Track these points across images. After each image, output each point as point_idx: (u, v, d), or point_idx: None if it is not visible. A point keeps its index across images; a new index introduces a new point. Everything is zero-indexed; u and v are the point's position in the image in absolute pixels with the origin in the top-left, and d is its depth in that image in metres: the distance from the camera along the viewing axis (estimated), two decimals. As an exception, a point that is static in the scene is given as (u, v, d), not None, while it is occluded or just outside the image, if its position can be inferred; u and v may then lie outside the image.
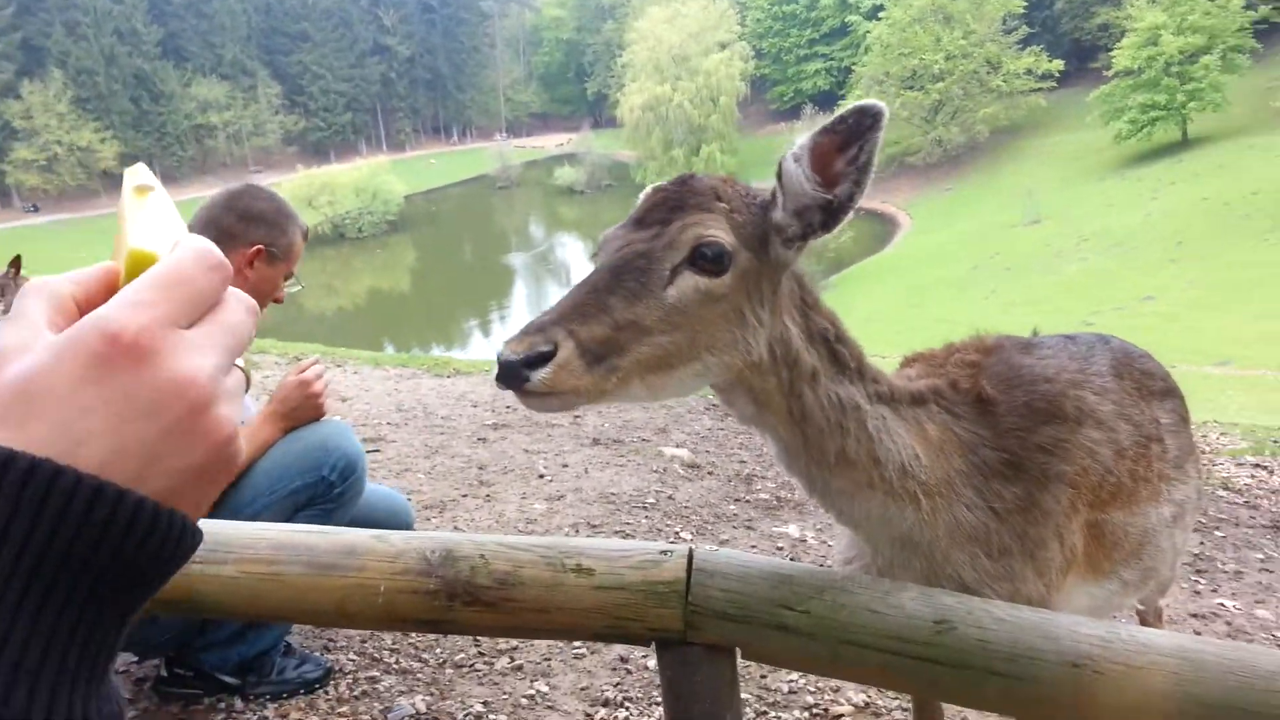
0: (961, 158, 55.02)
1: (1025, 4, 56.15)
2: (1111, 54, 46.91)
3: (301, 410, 2.77)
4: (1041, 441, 1.62)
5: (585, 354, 1.24)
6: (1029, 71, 54.04)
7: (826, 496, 1.54)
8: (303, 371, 2.80)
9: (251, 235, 2.76)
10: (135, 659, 2.95)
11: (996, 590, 1.56)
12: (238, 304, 0.64)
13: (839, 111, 1.30)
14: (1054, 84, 54.57)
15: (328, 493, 2.67)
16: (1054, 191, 44.36)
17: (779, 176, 1.37)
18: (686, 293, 1.33)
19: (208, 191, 3.45)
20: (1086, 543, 1.73)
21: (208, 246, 0.62)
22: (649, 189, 1.46)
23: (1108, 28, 53.92)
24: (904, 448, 1.51)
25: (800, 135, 1.35)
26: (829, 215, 1.36)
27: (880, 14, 58.80)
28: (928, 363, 1.77)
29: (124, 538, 0.52)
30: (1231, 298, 23.07)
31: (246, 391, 0.70)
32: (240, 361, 0.65)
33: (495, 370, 1.23)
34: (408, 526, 3.15)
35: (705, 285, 1.34)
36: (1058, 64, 53.66)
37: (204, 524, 1.89)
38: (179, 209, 0.72)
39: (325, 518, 2.65)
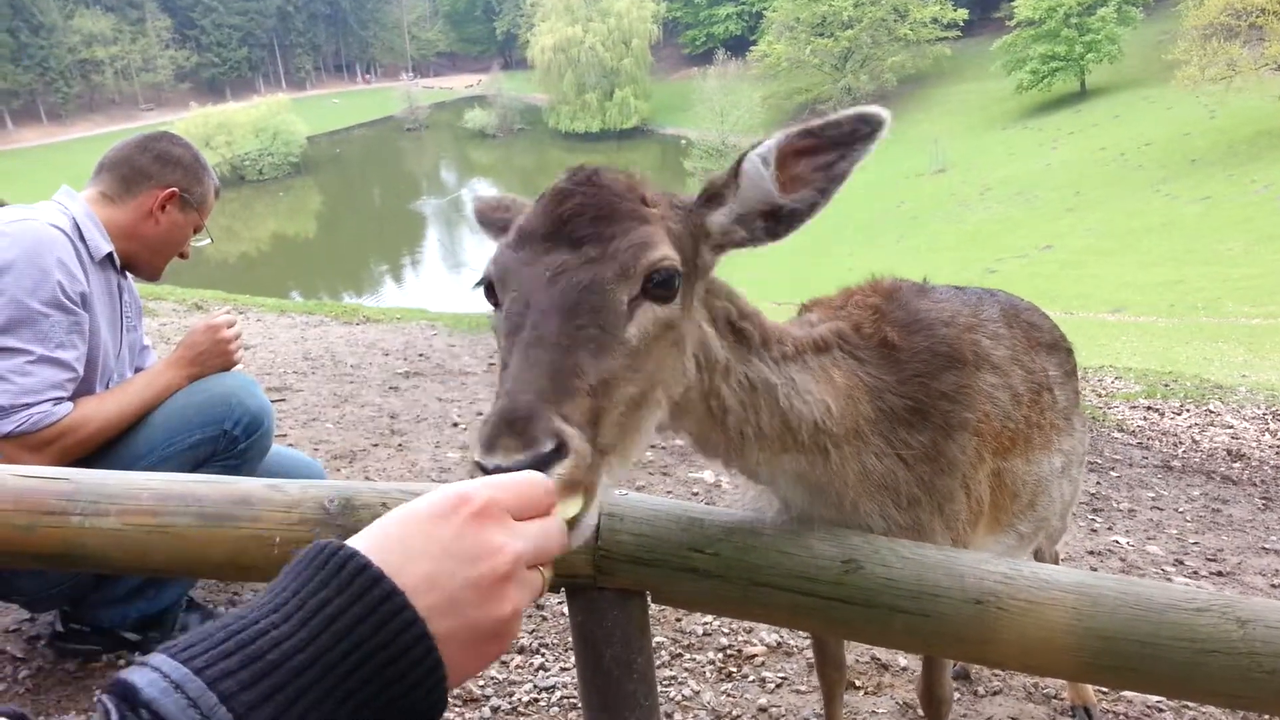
0: (869, 106, 55.63)
1: (933, -48, 56.83)
2: (1014, 4, 47.94)
3: (209, 358, 2.62)
4: (944, 389, 1.58)
5: (588, 438, 1.01)
6: (935, 20, 54.84)
7: (742, 468, 1.47)
8: (215, 319, 2.66)
9: (167, 178, 2.63)
10: (28, 617, 2.81)
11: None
12: (558, 524, 0.82)
13: (833, 115, 1.17)
14: (959, 33, 55.56)
15: (230, 448, 2.52)
16: (959, 140, 45.45)
17: (735, 174, 1.22)
18: (646, 328, 1.12)
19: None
20: (993, 493, 1.74)
21: (544, 478, 0.84)
22: (545, 192, 1.20)
23: (1011, -23, 54.99)
24: (815, 404, 1.44)
25: (772, 138, 1.20)
26: (775, 223, 1.22)
27: (792, -42, 58.69)
28: (826, 307, 1.70)
29: (407, 669, 0.64)
30: (1125, 245, 24.11)
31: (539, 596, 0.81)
32: (546, 572, 0.80)
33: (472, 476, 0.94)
34: (264, 406, 2.96)
35: (664, 315, 1.14)
36: (962, 13, 54.66)
37: (84, 473, 1.76)
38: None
39: (226, 473, 2.50)
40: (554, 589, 1.57)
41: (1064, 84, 47.14)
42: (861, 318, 1.61)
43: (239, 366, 2.72)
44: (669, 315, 1.15)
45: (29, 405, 2.21)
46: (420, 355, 6.41)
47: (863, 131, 1.16)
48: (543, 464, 0.94)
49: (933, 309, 1.69)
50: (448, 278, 38.10)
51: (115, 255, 2.57)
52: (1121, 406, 6.27)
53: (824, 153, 1.17)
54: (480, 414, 5.19)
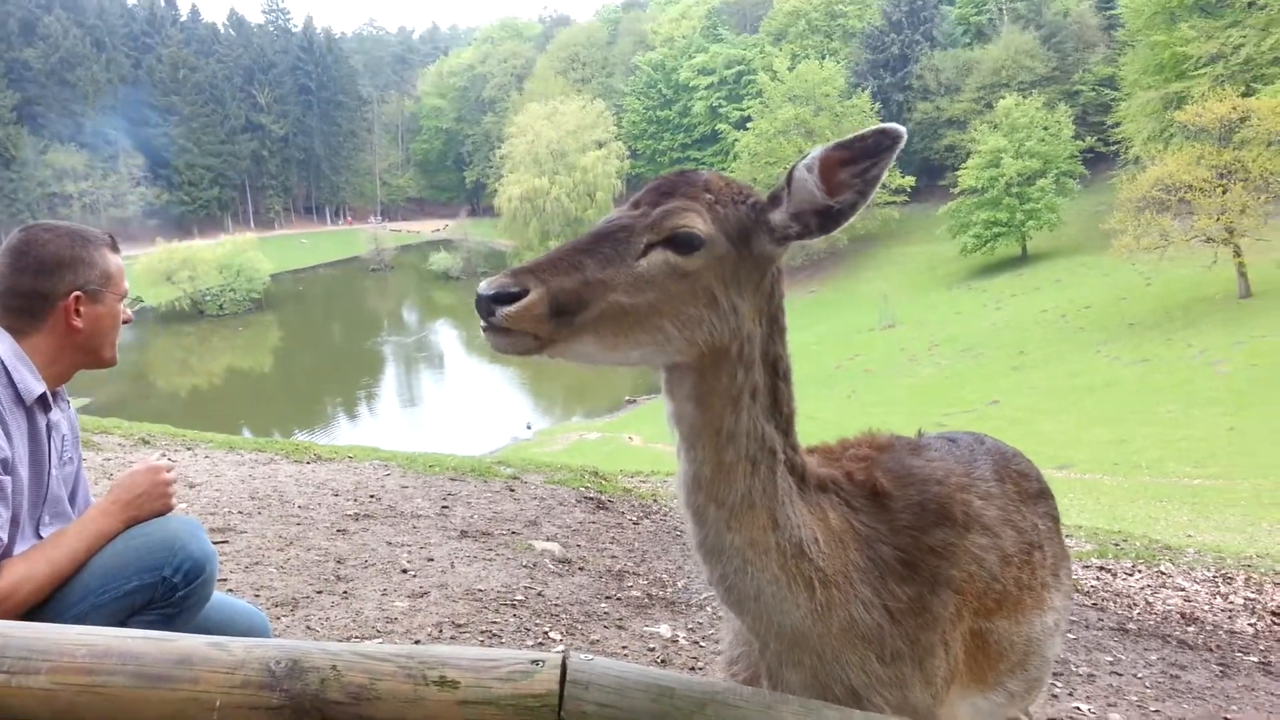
0: (824, 262, 57.84)
1: (879, 123, 60.34)
2: (958, 173, 50.87)
3: (146, 501, 2.46)
4: (933, 544, 1.61)
5: (552, 302, 1.36)
6: (884, 185, 57.42)
7: (719, 555, 1.49)
8: (152, 461, 2.54)
9: (60, 286, 2.39)
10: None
11: (885, 697, 1.52)
12: None
13: (861, 130, 1.39)
14: (907, 198, 58.44)
15: (168, 596, 2.34)
16: (908, 298, 47.14)
17: (788, 182, 1.46)
18: (656, 265, 1.43)
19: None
20: (971, 652, 1.71)
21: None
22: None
23: (954, 149, 58.49)
24: (804, 525, 1.49)
25: (815, 149, 1.44)
26: (827, 220, 1.45)
27: (748, 125, 62.10)
28: (824, 455, 1.75)
29: None
30: (1070, 404, 24.79)
31: None
32: None
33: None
34: (209, 553, 2.77)
35: (674, 261, 1.43)
36: (909, 180, 57.62)
37: (15, 627, 1.66)
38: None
39: (164, 624, 2.31)
40: (511, 762, 1.48)
41: (1006, 248, 49.51)
42: (854, 467, 1.64)
43: (175, 510, 2.58)
44: (680, 263, 1.43)
45: None
46: (371, 496, 6.26)
47: (885, 143, 1.38)
48: (505, 300, 1.34)
49: (925, 466, 1.73)
50: (403, 416, 37.81)
51: (47, 394, 2.39)
52: (1074, 566, 6.27)
53: (859, 162, 1.40)
54: (430, 559, 5.03)
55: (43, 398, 2.38)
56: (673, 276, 1.43)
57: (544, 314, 1.36)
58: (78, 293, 2.40)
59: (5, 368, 2.29)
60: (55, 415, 2.49)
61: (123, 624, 2.27)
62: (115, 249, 2.57)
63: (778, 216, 1.48)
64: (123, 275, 2.56)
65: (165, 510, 2.51)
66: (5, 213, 71.29)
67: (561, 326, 1.38)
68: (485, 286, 1.36)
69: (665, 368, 1.51)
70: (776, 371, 1.53)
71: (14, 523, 2.26)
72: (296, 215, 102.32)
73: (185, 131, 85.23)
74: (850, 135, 1.39)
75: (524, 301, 1.35)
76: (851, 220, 1.45)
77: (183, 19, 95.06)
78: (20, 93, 76.00)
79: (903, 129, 1.37)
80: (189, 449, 7.69)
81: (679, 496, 1.55)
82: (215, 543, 4.91)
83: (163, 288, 57.38)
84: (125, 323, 2.59)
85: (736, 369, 1.47)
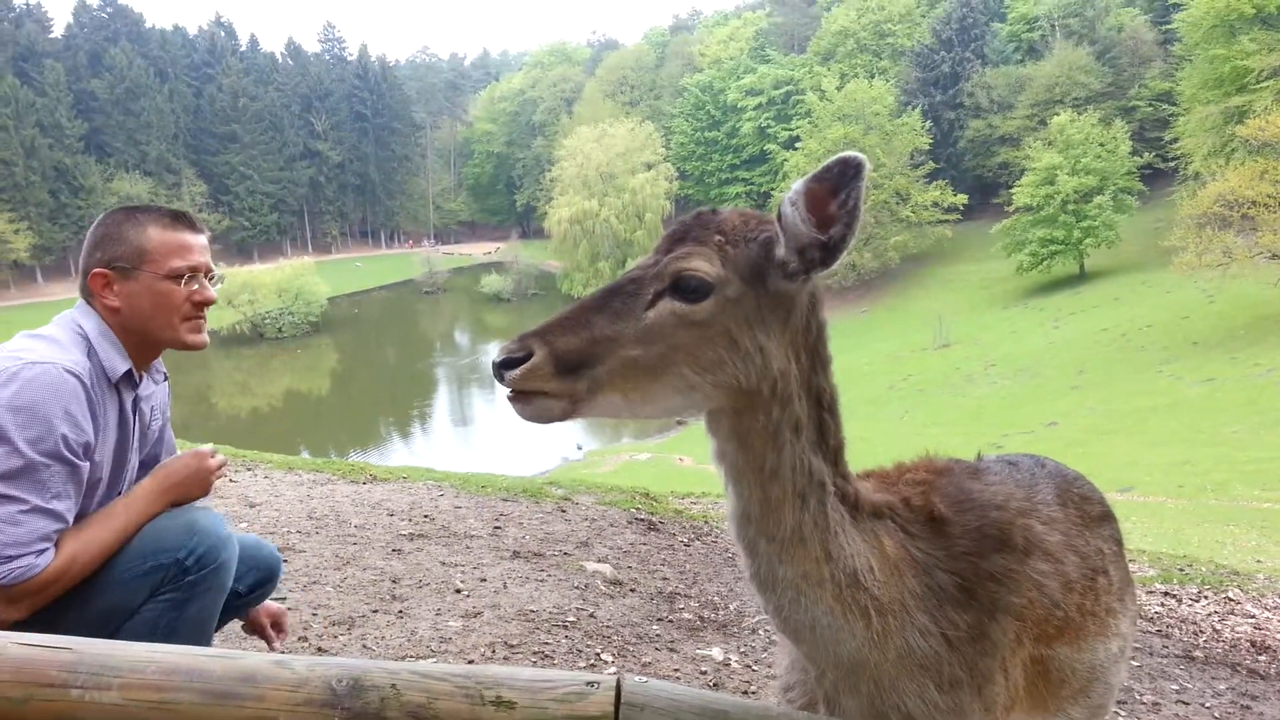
0: (875, 282, 57.30)
1: (931, 142, 59.91)
2: (1012, 191, 50.11)
3: (191, 485, 2.46)
4: (992, 570, 1.59)
5: (558, 362, 1.39)
6: (935, 204, 57.14)
7: (771, 587, 1.49)
8: (201, 449, 2.56)
9: (91, 266, 2.38)
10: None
11: None
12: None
13: (825, 162, 1.39)
14: (959, 216, 57.78)
15: (179, 579, 2.29)
16: (962, 317, 46.42)
17: (779, 219, 1.46)
18: (664, 316, 1.43)
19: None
20: (1032, 679, 1.69)
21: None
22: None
23: (1008, 166, 57.68)
24: (858, 555, 1.48)
25: (795, 183, 1.44)
26: (827, 253, 1.44)
27: (797, 145, 61.93)
28: (880, 480, 1.74)
29: None
30: (1130, 425, 24.13)
31: None
32: None
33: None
34: (277, 565, 2.81)
35: (682, 310, 1.43)
36: (962, 198, 56.98)
37: (87, 644, 1.73)
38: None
39: (175, 610, 2.30)
40: (566, 783, 1.49)
41: (1063, 266, 48.55)
42: (911, 493, 1.62)
43: (237, 530, 2.62)
44: (692, 312, 1.43)
45: (13, 558, 2.10)
46: (425, 516, 6.34)
47: (849, 172, 1.36)
48: (512, 364, 1.39)
49: (985, 490, 1.71)
50: (455, 436, 38.20)
51: (134, 370, 2.42)
52: (1138, 591, 6.11)
53: (839, 193, 1.39)
54: (483, 579, 5.07)
55: (129, 374, 2.39)
56: (682, 325, 1.43)
57: (550, 373, 1.39)
58: (100, 270, 2.35)
59: (92, 346, 2.32)
60: (146, 389, 2.53)
61: (140, 607, 2.29)
62: (176, 225, 2.44)
63: (779, 252, 1.47)
64: (178, 252, 2.40)
65: (205, 494, 2.51)
66: (74, 240, 73.84)
67: (578, 383, 1.40)
68: (496, 353, 1.42)
69: (706, 413, 1.51)
70: (821, 404, 1.52)
71: (86, 494, 2.30)
72: (352, 239, 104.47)
73: (245, 159, 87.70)
74: (819, 168, 1.39)
75: (529, 364, 1.39)
76: (845, 253, 1.44)
77: (242, 49, 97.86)
78: (88, 122, 78.85)
79: (862, 157, 1.37)
80: (249, 469, 7.87)
81: (729, 530, 1.55)
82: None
83: (224, 312, 58.88)
84: (199, 303, 2.46)
85: (772, 407, 1.46)
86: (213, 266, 2.51)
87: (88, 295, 2.40)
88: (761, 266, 1.47)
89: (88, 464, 2.25)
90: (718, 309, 1.44)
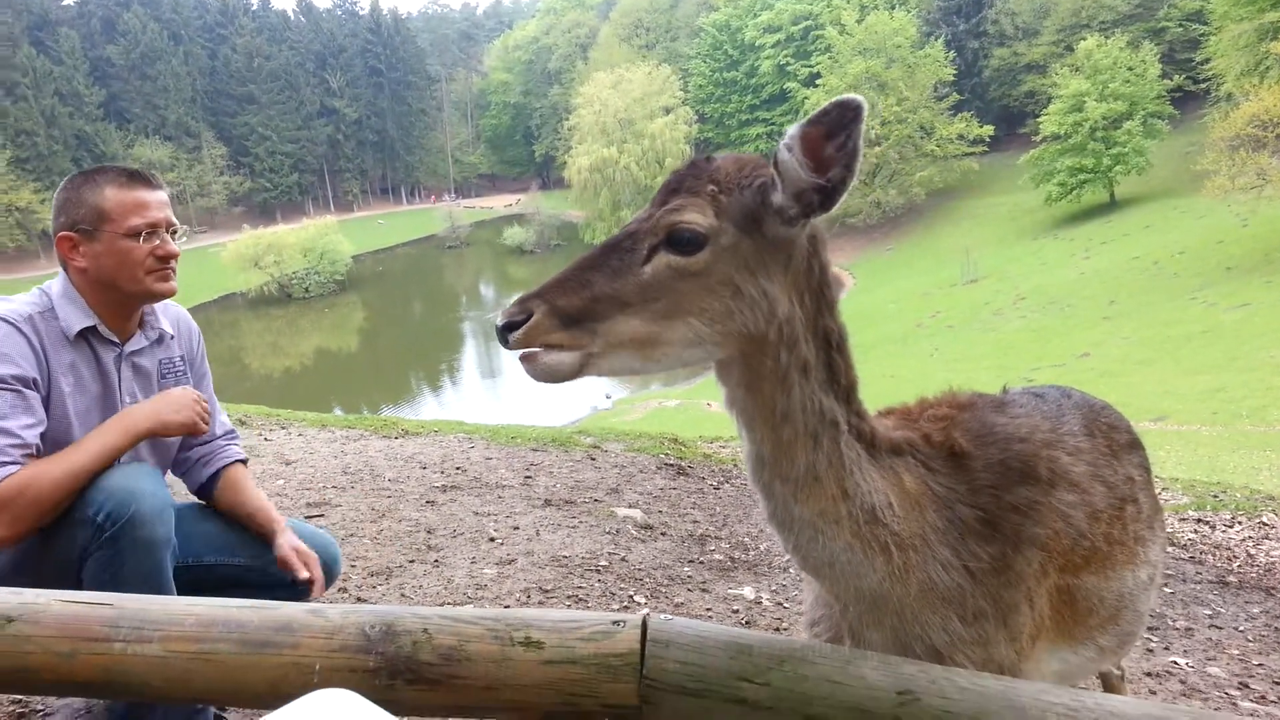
0: (900, 219, 56.53)
1: (955, 73, 58.49)
2: (1039, 120, 48.92)
3: (174, 408, 2.46)
4: (1015, 502, 1.59)
5: (560, 318, 1.41)
6: (961, 136, 56.01)
7: (789, 527, 1.50)
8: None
9: (55, 230, 2.48)
10: None
11: (968, 655, 1.51)
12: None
13: (821, 105, 1.36)
14: (985, 148, 56.58)
15: (99, 537, 2.22)
16: (990, 251, 45.73)
17: (775, 164, 1.43)
18: (660, 269, 1.44)
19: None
20: (1057, 608, 1.69)
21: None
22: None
23: (1034, 95, 56.26)
24: (876, 492, 1.48)
25: (791, 127, 1.41)
26: (825, 196, 1.42)
27: (817, 82, 60.67)
28: (901, 416, 1.74)
29: None
30: (1164, 354, 23.80)
31: None
32: None
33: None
34: (333, 563, 2.80)
35: (678, 263, 1.43)
36: (988, 129, 55.72)
37: (126, 599, 1.79)
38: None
39: (109, 570, 2.22)
40: None
41: (1093, 195, 47.57)
42: (931, 428, 1.62)
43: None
44: (689, 264, 1.43)
45: None
46: (458, 468, 6.42)
47: (848, 115, 1.34)
48: (516, 326, 1.41)
49: (1009, 423, 1.71)
50: (484, 389, 38.50)
51: (100, 327, 2.47)
52: (1171, 519, 6.07)
53: (836, 136, 1.36)
54: (516, 527, 5.15)
55: (92, 330, 2.46)
56: (680, 276, 1.44)
57: (552, 326, 1.41)
58: (65, 234, 2.45)
59: (53, 304, 2.44)
60: (136, 344, 2.59)
61: (77, 580, 2.27)
62: (133, 184, 2.50)
63: (776, 198, 1.45)
64: (136, 210, 2.48)
65: (188, 424, 2.51)
66: (101, 208, 74.53)
67: (586, 335, 1.41)
68: (499, 317, 1.44)
69: (715, 361, 1.51)
70: (829, 344, 1.51)
71: (54, 442, 2.34)
72: (374, 197, 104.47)
73: (263, 119, 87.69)
74: (816, 110, 1.36)
75: (530, 322, 1.41)
76: (845, 195, 1.42)
77: (254, 7, 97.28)
78: (106, 89, 79.14)
79: (860, 99, 1.34)
80: (283, 428, 7.99)
81: (746, 473, 1.56)
82: (311, 517, 5.13)
83: (251, 273, 59.42)
84: (163, 257, 2.52)
85: (779, 350, 1.46)
86: (174, 220, 2.56)
87: (60, 260, 2.50)
88: (757, 213, 1.46)
89: (37, 394, 2.32)
90: (714, 259, 1.44)
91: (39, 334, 2.38)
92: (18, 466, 2.21)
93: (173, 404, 2.48)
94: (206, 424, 2.57)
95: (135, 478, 2.32)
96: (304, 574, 2.56)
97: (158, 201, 2.52)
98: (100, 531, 2.23)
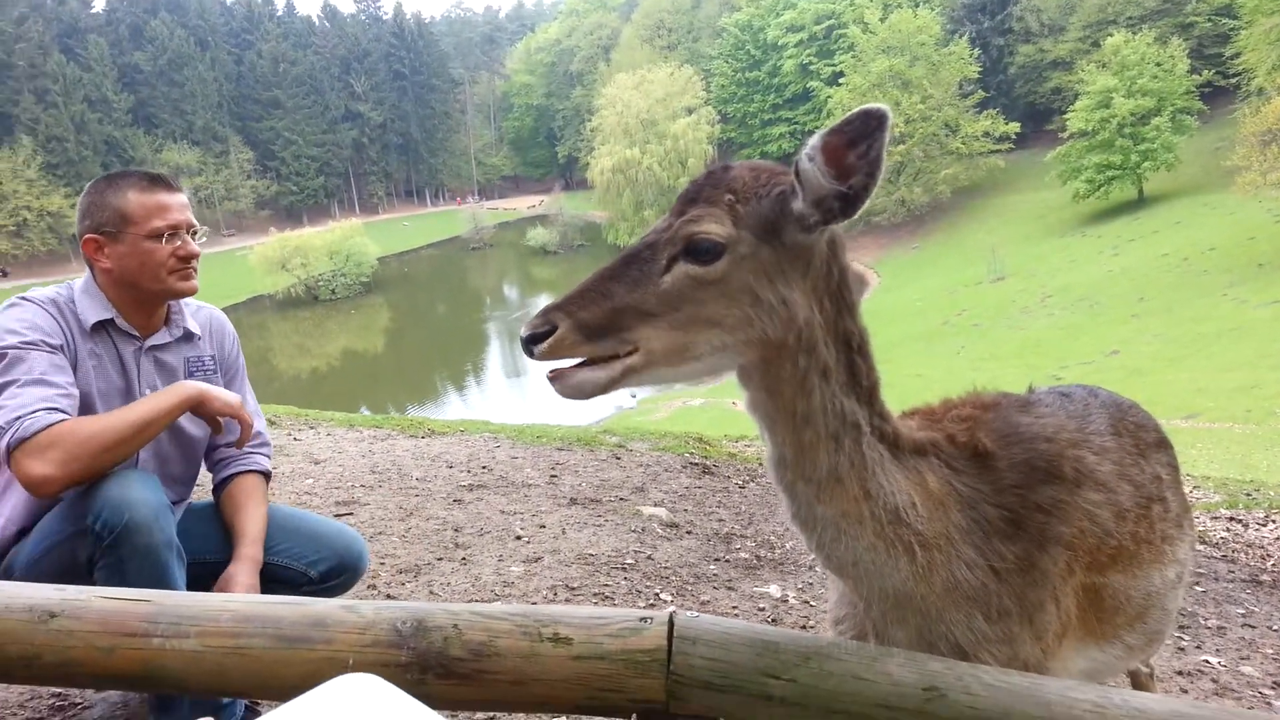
0: (925, 217, 56.14)
1: (980, 70, 58.02)
2: (1066, 116, 48.38)
3: (219, 395, 2.52)
4: (1041, 501, 1.59)
5: (583, 331, 1.42)
6: (986, 134, 55.54)
7: (812, 526, 1.51)
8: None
9: (81, 233, 2.57)
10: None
11: (993, 653, 1.52)
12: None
13: (845, 114, 1.37)
14: (1011, 145, 56.06)
15: (98, 545, 2.26)
16: (1017, 249, 45.31)
17: (796, 174, 1.44)
18: (680, 279, 1.45)
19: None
20: (1083, 607, 1.69)
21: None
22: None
23: (1061, 91, 55.66)
24: (899, 492, 1.49)
25: (813, 137, 1.41)
26: (847, 203, 1.42)
27: (841, 80, 60.39)
28: (925, 417, 1.75)
29: None
30: (1194, 351, 23.49)
31: None
32: None
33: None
34: (357, 559, 2.82)
35: (697, 273, 1.45)
36: (1014, 126, 55.21)
37: (165, 595, 1.83)
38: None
39: (115, 578, 2.25)
40: (625, 715, 1.54)
41: (1121, 192, 46.98)
42: (955, 429, 1.63)
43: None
44: (707, 274, 1.44)
45: (20, 418, 2.22)
46: (484, 468, 6.46)
47: (872, 124, 1.34)
48: (540, 339, 1.42)
49: (1034, 424, 1.71)
50: (509, 389, 38.66)
51: (119, 320, 2.56)
52: (1203, 517, 6.01)
53: (859, 144, 1.37)
54: (542, 526, 5.18)
55: (110, 323, 2.56)
56: (700, 286, 1.45)
57: (577, 340, 1.43)
58: (90, 236, 2.55)
59: (73, 299, 2.55)
60: (159, 339, 2.68)
61: (90, 582, 2.27)
62: (154, 187, 2.59)
63: (796, 206, 1.46)
64: (157, 212, 2.55)
65: (233, 405, 2.55)
66: (131, 212, 75.59)
67: (615, 347, 1.44)
68: (523, 330, 1.46)
69: (738, 368, 1.53)
70: (850, 347, 1.52)
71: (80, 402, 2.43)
72: (398, 199, 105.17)
73: (289, 124, 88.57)
74: (840, 120, 1.37)
75: (555, 336, 1.42)
76: (866, 202, 1.42)
77: (279, 13, 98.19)
78: (134, 95, 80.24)
79: (885, 108, 1.34)
80: (311, 428, 8.08)
81: (769, 474, 1.57)
82: (340, 515, 5.18)
83: (279, 275, 60.01)
84: (184, 257, 2.59)
85: (799, 355, 1.47)
86: (194, 222, 2.64)
87: (87, 260, 2.60)
88: (776, 221, 1.46)
89: (66, 356, 2.43)
90: (732, 268, 1.45)
91: (64, 315, 2.50)
92: (65, 416, 2.29)
93: (223, 395, 2.54)
94: (250, 422, 2.62)
95: (128, 485, 2.33)
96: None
97: (178, 204, 2.61)
98: (99, 540, 2.27)
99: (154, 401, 2.43)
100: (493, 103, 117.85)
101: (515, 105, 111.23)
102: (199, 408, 2.51)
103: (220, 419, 2.57)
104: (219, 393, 2.54)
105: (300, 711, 0.62)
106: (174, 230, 2.56)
